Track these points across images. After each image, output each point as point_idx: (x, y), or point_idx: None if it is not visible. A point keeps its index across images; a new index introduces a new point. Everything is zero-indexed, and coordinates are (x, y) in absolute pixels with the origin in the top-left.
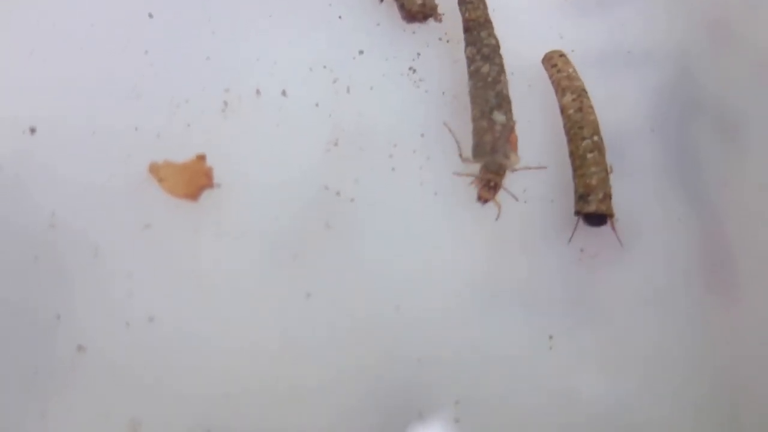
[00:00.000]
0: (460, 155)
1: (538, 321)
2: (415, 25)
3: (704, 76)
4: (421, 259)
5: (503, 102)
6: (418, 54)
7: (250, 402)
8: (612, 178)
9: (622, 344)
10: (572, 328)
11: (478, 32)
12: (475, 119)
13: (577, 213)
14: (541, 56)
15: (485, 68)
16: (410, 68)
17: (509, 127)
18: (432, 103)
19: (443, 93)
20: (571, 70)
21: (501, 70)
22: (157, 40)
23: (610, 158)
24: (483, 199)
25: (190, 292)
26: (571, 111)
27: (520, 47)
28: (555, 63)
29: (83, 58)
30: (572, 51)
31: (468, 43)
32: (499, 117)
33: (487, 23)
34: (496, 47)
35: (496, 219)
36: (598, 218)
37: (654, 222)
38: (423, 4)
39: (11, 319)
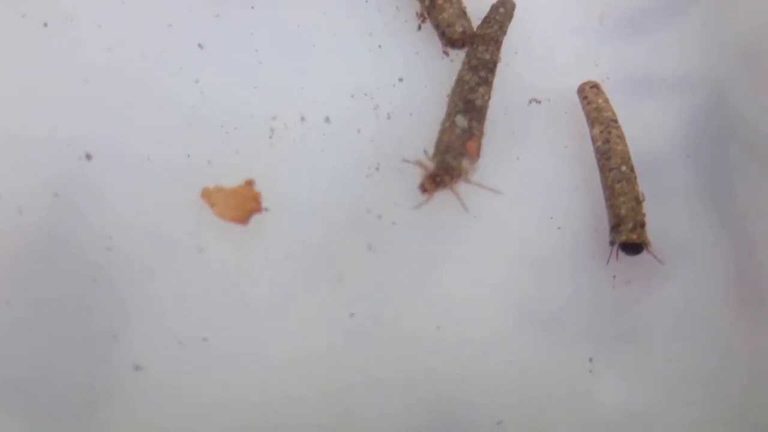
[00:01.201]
0: (425, 151)
1: (578, 343)
2: (454, 52)
3: (739, 103)
4: (462, 281)
5: (471, 110)
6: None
7: (298, 417)
8: (645, 204)
9: (660, 366)
10: (612, 351)
11: (477, 45)
12: (442, 121)
13: (612, 243)
14: (576, 85)
15: (467, 77)
16: (447, 95)
17: (469, 134)
18: None
19: None
20: (601, 101)
21: (483, 83)
22: (207, 69)
23: (645, 184)
24: (422, 188)
25: (240, 312)
26: (599, 143)
27: (556, 75)
28: (586, 95)
29: (137, 86)
30: (607, 78)
31: (466, 54)
32: (461, 121)
33: (490, 41)
34: (488, 63)
35: (424, 202)
36: (634, 247)
37: (688, 247)
38: (463, 32)
39: (71, 339)
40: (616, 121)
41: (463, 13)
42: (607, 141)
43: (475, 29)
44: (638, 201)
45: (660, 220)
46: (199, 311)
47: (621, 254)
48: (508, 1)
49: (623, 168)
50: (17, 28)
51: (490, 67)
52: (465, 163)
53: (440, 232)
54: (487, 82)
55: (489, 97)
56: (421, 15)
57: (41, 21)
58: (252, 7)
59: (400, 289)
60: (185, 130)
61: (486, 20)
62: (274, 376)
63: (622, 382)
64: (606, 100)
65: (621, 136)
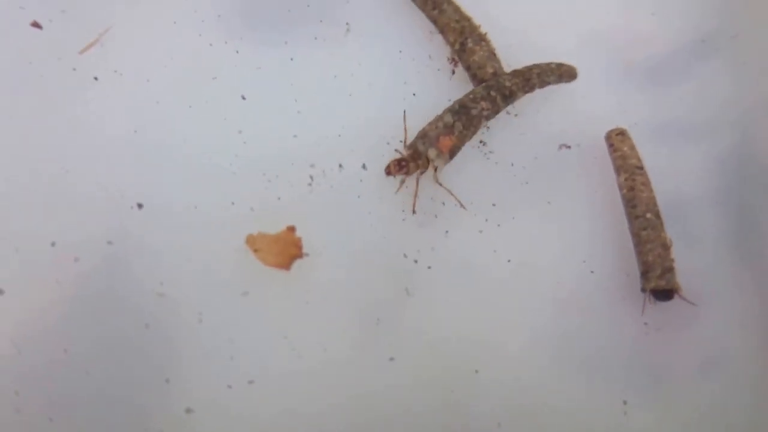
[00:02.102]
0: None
1: (612, 386)
2: None
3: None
4: (497, 323)
5: (462, 113)
6: (488, 128)
7: None
8: (674, 249)
9: (694, 408)
10: (646, 393)
11: (505, 75)
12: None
13: (643, 290)
14: (605, 130)
15: (477, 90)
16: (480, 141)
17: (449, 131)
18: (502, 174)
19: (512, 164)
20: (626, 148)
21: (489, 101)
22: (249, 120)
23: (674, 228)
24: (387, 171)
25: (283, 355)
26: (624, 190)
27: (585, 121)
28: (612, 142)
29: (184, 137)
30: (635, 124)
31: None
32: (447, 118)
33: (521, 78)
34: (505, 89)
35: (396, 192)
36: (664, 293)
37: (718, 290)
38: (494, 73)
39: (126, 383)
40: (641, 168)
41: (493, 55)
42: (632, 189)
43: (504, 70)
44: (665, 247)
45: (689, 263)
46: (245, 354)
47: (653, 300)
48: (569, 73)
49: (648, 215)
50: (68, 81)
51: (505, 93)
52: (432, 153)
53: (475, 275)
54: (494, 103)
55: (488, 115)
56: (453, 59)
57: (92, 75)
58: (291, 59)
59: (438, 333)
60: (229, 178)
61: (533, 68)
62: (316, 419)
63: (656, 423)
64: (632, 147)
65: (646, 183)
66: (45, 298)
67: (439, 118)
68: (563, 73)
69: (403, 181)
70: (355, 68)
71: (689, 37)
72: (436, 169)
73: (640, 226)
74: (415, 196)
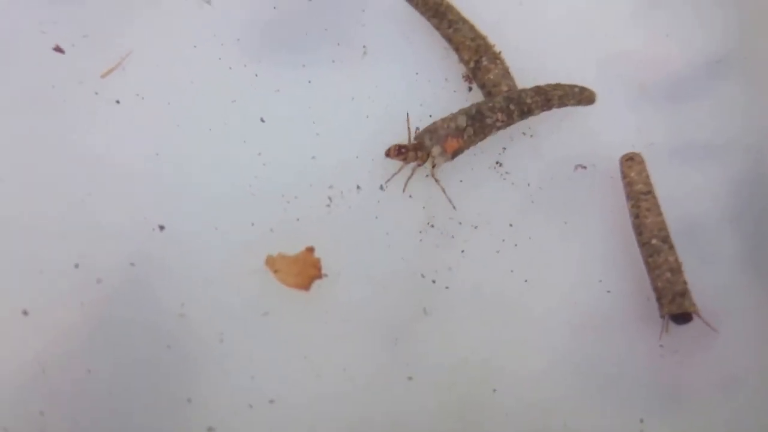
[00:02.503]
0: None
1: (629, 404)
2: None
3: None
4: (515, 343)
5: (477, 120)
6: (504, 148)
7: None
8: (687, 271)
9: (710, 428)
10: (662, 412)
11: (528, 92)
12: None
13: (661, 315)
14: (620, 150)
15: (497, 100)
16: (497, 162)
17: (459, 134)
18: (518, 195)
19: (528, 184)
20: (633, 174)
21: (506, 113)
22: (268, 142)
23: (689, 249)
24: (386, 153)
25: (303, 375)
26: (632, 218)
27: (600, 142)
28: (622, 169)
29: (204, 159)
30: (651, 144)
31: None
32: (460, 120)
33: (543, 97)
34: (524, 105)
35: (386, 182)
36: (681, 316)
37: (735, 310)
38: (509, 90)
39: (148, 402)
40: (647, 193)
41: (507, 73)
42: (637, 216)
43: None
44: (674, 271)
45: (706, 284)
46: (266, 374)
47: (672, 323)
48: (588, 98)
49: (654, 241)
50: (91, 105)
51: (523, 109)
52: (436, 150)
53: (492, 295)
54: (510, 116)
55: (500, 127)
56: (467, 77)
57: (114, 98)
58: (309, 82)
59: (455, 352)
60: (249, 200)
61: (556, 88)
62: None
63: None
64: (639, 172)
65: (651, 208)
66: (68, 319)
67: (453, 117)
68: (583, 98)
69: (401, 168)
70: (372, 90)
71: (704, 58)
72: (434, 165)
73: (647, 252)
74: (408, 180)
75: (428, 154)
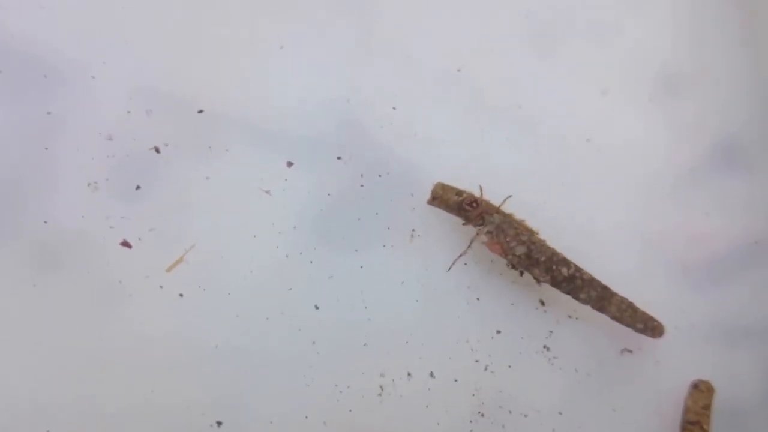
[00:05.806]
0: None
1: None
2: (547, 304)
3: None
4: None
5: (533, 262)
6: (551, 332)
7: None
8: None
9: None
10: None
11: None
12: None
13: None
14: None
15: (569, 274)
16: (544, 346)
17: (511, 251)
18: (566, 380)
19: (576, 370)
20: (690, 402)
21: (564, 281)
22: (322, 330)
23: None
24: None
25: None
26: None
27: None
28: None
29: (261, 352)
30: (692, 325)
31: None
32: (520, 249)
33: (583, 281)
34: (560, 279)
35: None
36: None
37: None
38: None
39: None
40: (693, 423)
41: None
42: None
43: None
44: None
45: None
46: None
47: None
48: (657, 330)
49: None
50: (156, 299)
51: (558, 279)
52: (489, 227)
53: None
54: (558, 285)
55: (542, 280)
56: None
57: (177, 292)
58: (361, 267)
59: None
60: (303, 391)
61: (629, 308)
62: None
63: None
64: (695, 401)
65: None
66: None
67: (519, 240)
68: (654, 328)
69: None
70: (421, 274)
71: (743, 239)
72: (477, 233)
73: None
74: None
75: (483, 219)
